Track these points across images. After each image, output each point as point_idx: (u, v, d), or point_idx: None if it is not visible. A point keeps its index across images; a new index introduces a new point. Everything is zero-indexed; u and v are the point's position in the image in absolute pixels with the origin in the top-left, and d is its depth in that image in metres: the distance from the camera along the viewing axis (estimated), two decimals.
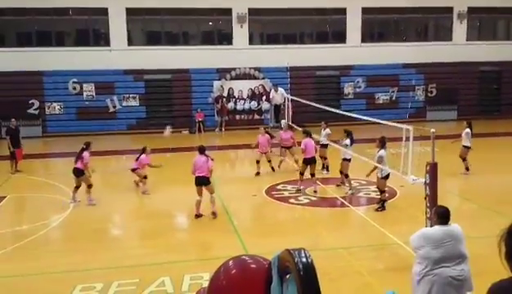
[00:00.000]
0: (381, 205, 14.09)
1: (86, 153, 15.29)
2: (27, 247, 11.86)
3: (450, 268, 6.55)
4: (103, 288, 9.41)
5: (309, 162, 15.81)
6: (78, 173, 15.19)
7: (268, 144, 19.01)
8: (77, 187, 15.29)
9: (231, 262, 4.01)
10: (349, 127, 17.32)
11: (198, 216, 13.52)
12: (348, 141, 15.97)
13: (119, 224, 14.67)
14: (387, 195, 14.35)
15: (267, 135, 19.19)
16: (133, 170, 17.01)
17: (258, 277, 3.69)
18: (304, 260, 3.11)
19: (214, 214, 13.54)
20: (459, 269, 6.57)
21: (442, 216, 6.78)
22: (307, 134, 16.18)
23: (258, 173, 18.52)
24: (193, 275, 9.78)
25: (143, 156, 16.92)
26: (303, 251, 3.17)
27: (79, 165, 15.19)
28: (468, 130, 18.28)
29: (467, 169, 18.13)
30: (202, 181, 13.56)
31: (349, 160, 15.94)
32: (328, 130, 18.18)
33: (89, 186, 15.27)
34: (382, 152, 13.63)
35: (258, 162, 18.64)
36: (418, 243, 6.81)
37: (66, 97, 30.07)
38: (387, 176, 13.75)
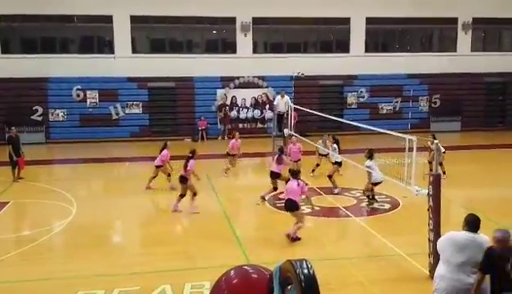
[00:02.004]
0: (370, 198, 15.51)
1: (192, 162, 15.09)
2: (29, 253, 11.85)
3: (469, 275, 6.69)
4: None
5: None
6: (183, 180, 15.08)
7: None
8: (181, 195, 15.14)
9: (232, 272, 3.99)
10: (352, 137, 17.43)
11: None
12: (335, 146, 17.65)
13: (120, 231, 14.66)
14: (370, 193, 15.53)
15: (298, 144, 19.12)
16: (157, 167, 17.69)
17: (259, 287, 3.67)
18: (306, 271, 3.09)
19: (289, 236, 12.40)
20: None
21: (469, 222, 7.00)
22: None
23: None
24: (194, 283, 9.75)
25: (165, 151, 17.72)
26: (304, 262, 3.16)
27: (184, 173, 15.08)
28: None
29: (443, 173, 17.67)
30: (290, 206, 12.58)
31: (339, 164, 17.43)
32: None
33: (194, 194, 15.09)
34: (368, 162, 14.99)
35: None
36: (442, 245, 7.08)
37: (70, 104, 30.10)
38: (376, 183, 15.11)
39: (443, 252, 7.03)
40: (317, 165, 19.38)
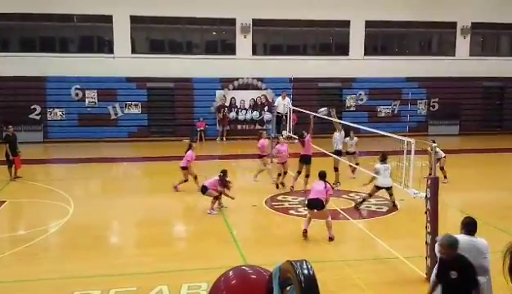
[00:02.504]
0: (360, 203, 15.53)
1: (217, 181, 15.20)
2: (25, 253, 11.81)
3: None
4: None
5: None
6: (204, 190, 15.12)
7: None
8: (216, 198, 15.13)
9: (231, 272, 3.97)
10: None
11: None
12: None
13: (117, 232, 14.63)
14: (370, 199, 15.62)
15: (286, 145, 18.92)
16: (183, 168, 17.51)
17: (258, 288, 3.65)
18: (306, 271, 3.08)
19: (330, 238, 12.78)
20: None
21: (466, 226, 6.99)
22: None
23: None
24: (191, 284, 9.74)
25: (189, 152, 17.58)
26: (304, 263, 3.14)
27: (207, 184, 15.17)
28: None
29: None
30: (315, 204, 12.79)
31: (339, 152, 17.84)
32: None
33: (215, 198, 15.08)
34: (378, 165, 15.18)
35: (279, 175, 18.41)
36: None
37: (68, 103, 30.04)
38: (379, 187, 15.13)
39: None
40: (357, 164, 18.64)
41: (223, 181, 15.12)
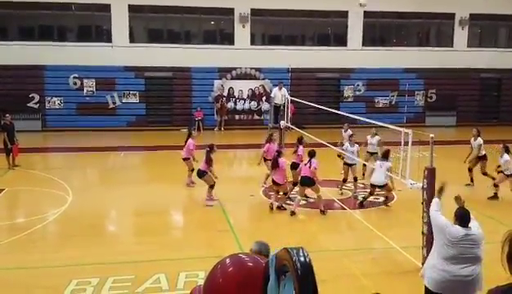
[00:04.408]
0: (364, 199, 15.10)
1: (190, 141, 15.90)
2: (23, 241, 11.87)
3: (461, 267, 6.76)
4: (98, 284, 9.43)
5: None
6: (201, 174, 15.10)
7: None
8: (211, 186, 15.05)
9: (227, 260, 4.00)
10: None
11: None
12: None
13: (115, 220, 14.69)
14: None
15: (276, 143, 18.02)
16: (185, 159, 17.00)
17: (255, 275, 3.69)
18: (302, 259, 3.11)
19: (323, 212, 14.05)
20: (470, 269, 6.83)
21: (460, 218, 6.98)
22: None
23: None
24: (188, 273, 9.79)
25: (190, 140, 16.99)
26: (301, 250, 3.17)
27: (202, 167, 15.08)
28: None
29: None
30: (307, 182, 13.98)
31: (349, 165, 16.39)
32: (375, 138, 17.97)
33: (211, 186, 15.02)
34: (377, 161, 15.17)
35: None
36: (440, 229, 7.08)
37: (67, 92, 30.05)
38: (373, 185, 14.82)
39: (436, 238, 7.11)
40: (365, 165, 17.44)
41: (208, 156, 15.06)
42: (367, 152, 17.82)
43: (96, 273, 9.85)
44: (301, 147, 15.96)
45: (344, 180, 16.36)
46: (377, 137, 17.77)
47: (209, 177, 15.03)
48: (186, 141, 17.17)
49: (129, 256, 10.83)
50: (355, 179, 16.32)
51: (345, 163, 16.44)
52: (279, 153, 14.51)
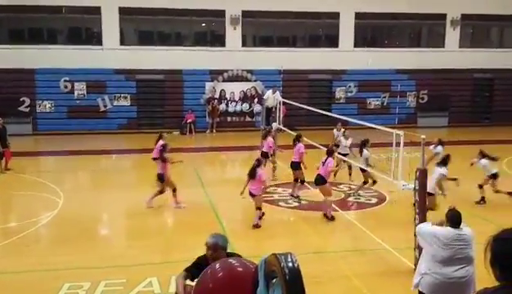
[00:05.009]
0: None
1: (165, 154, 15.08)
2: (15, 245, 11.82)
3: (455, 268, 6.75)
4: (90, 287, 9.39)
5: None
6: (160, 178, 14.86)
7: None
8: (160, 192, 14.88)
9: (217, 265, 4.00)
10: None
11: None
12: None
13: (107, 224, 14.65)
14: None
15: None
16: (155, 159, 16.67)
17: (244, 280, 3.68)
18: (290, 264, 3.10)
19: (326, 216, 13.78)
20: (464, 270, 6.82)
21: (452, 219, 6.98)
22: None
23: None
24: None
25: (160, 142, 16.73)
26: (289, 256, 3.17)
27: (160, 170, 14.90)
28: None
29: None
30: (316, 180, 13.87)
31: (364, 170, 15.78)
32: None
33: (174, 190, 14.87)
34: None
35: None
36: (426, 239, 7.07)
37: (57, 95, 29.93)
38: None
39: (427, 247, 7.05)
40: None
41: (162, 154, 14.92)
42: (339, 153, 17.10)
43: (88, 277, 9.81)
44: (301, 144, 16.03)
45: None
46: (350, 139, 18.00)
47: (167, 182, 14.92)
48: (156, 142, 17.07)
49: (121, 260, 10.79)
50: (364, 183, 15.97)
51: (339, 153, 16.70)
52: (258, 163, 13.66)
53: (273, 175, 18.34)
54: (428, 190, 12.23)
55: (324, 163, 13.73)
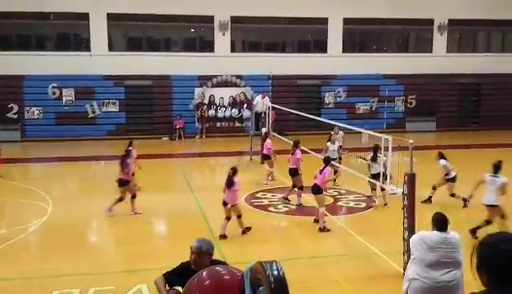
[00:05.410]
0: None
1: (129, 160, 15.28)
2: (4, 252, 11.76)
3: (443, 272, 6.78)
4: None
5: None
6: (122, 183, 14.85)
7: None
8: (121, 199, 14.79)
9: (204, 273, 4.01)
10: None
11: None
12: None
13: (96, 230, 14.60)
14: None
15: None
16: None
17: (231, 288, 3.70)
18: (276, 273, 3.12)
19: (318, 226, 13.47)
20: (451, 274, 6.83)
21: (438, 222, 7.02)
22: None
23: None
24: None
25: (130, 148, 16.72)
26: (274, 264, 3.18)
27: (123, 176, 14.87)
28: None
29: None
30: (312, 189, 13.60)
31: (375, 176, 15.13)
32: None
33: (133, 196, 14.91)
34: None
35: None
36: (415, 245, 7.11)
37: (46, 102, 29.80)
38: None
39: (415, 252, 7.09)
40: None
41: (125, 162, 14.96)
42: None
43: (77, 284, 9.79)
44: (298, 150, 15.99)
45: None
46: (337, 143, 18.00)
47: (131, 187, 14.96)
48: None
49: (110, 267, 10.78)
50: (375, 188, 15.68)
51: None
52: (234, 172, 13.44)
53: (271, 178, 18.53)
54: (492, 203, 12.33)
55: (321, 172, 13.55)
